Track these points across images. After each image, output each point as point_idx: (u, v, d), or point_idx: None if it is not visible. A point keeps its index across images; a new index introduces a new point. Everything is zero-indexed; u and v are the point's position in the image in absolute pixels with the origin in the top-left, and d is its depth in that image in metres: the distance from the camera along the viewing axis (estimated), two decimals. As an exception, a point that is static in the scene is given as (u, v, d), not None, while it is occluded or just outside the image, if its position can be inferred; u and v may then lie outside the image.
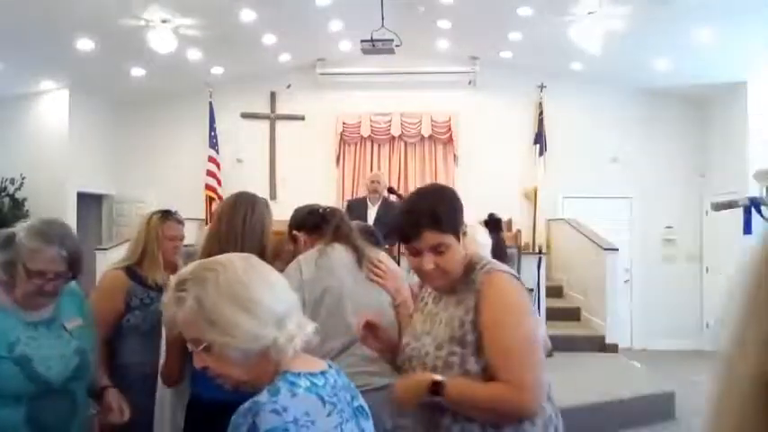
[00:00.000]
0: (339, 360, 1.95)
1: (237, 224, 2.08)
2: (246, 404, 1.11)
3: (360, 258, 2.09)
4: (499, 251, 2.47)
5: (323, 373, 1.23)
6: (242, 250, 1.81)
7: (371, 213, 5.72)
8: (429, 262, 1.56)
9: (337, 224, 2.18)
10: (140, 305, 2.49)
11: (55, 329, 1.90)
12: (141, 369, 2.39)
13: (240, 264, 1.20)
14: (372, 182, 6.14)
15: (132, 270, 2.57)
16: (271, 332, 1.15)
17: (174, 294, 1.17)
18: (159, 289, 2.41)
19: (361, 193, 7.64)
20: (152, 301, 2.46)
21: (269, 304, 1.17)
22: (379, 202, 5.85)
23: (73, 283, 2.05)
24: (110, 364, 2.42)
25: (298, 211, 2.36)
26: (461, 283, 1.61)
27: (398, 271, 2.18)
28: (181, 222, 2.71)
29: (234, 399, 1.17)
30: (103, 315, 2.39)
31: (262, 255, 2.36)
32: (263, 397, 1.11)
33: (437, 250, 1.55)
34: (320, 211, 2.24)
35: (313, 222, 2.22)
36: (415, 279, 2.11)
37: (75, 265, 1.85)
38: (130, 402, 2.15)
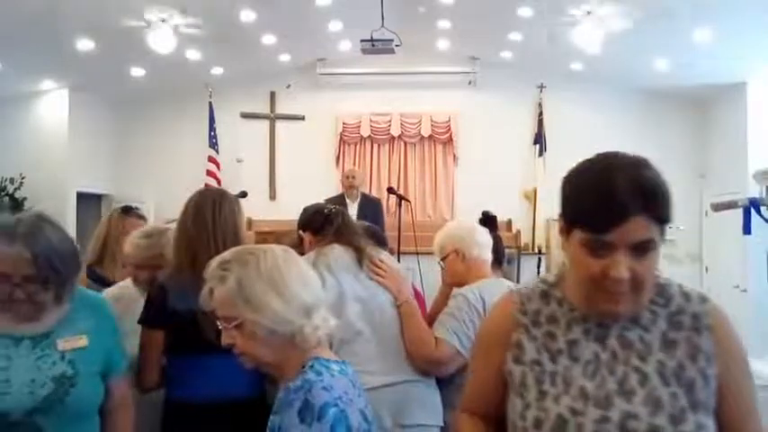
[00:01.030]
0: (342, 354, 1.94)
1: (207, 222, 1.98)
2: (297, 383, 1.22)
3: (360, 258, 2.09)
4: (496, 250, 2.46)
5: (341, 362, 1.35)
6: (216, 249, 1.79)
7: (352, 211, 5.44)
8: (624, 268, 1.02)
9: (339, 225, 2.18)
10: None
11: (42, 348, 1.57)
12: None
13: (281, 253, 1.32)
14: (347, 177, 5.98)
15: (92, 269, 2.49)
16: (299, 319, 1.26)
17: (218, 272, 1.28)
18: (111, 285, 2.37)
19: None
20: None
21: (300, 294, 1.28)
22: (359, 199, 5.71)
23: (99, 295, 1.82)
24: None
25: (305, 211, 2.36)
26: (644, 307, 1.11)
27: (400, 270, 2.18)
28: (142, 218, 2.67)
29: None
30: None
31: None
32: (311, 376, 1.22)
33: (640, 249, 1.04)
34: (324, 211, 2.23)
35: (318, 223, 2.23)
36: (422, 279, 2.11)
37: (45, 268, 1.51)
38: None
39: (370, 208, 5.20)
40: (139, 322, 1.94)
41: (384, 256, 2.19)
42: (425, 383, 2.02)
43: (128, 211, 2.65)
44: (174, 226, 2.13)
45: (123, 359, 1.79)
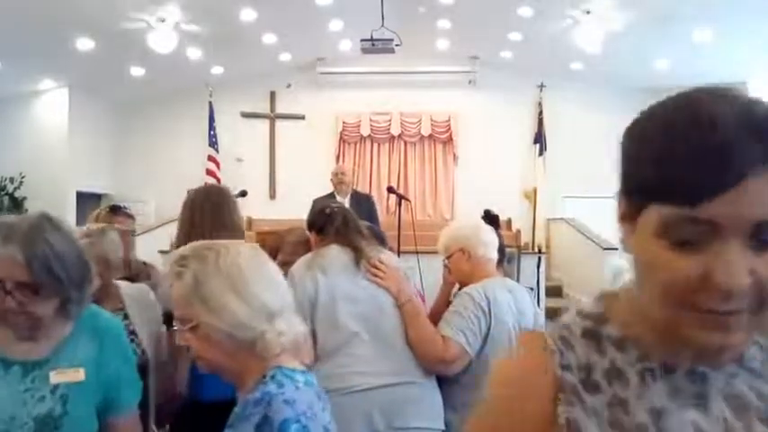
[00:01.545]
0: (333, 359, 1.95)
1: (205, 216, 2.03)
2: (255, 395, 1.10)
3: (358, 259, 2.08)
4: (500, 249, 2.45)
5: (306, 371, 1.22)
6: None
7: None
8: (740, 267, 0.58)
9: (338, 225, 2.17)
10: None
11: (33, 379, 1.33)
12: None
13: (245, 251, 1.21)
14: (336, 174, 5.87)
15: None
16: (260, 324, 1.14)
17: (174, 269, 1.16)
18: None
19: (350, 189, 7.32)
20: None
21: (263, 297, 1.16)
22: (348, 195, 5.48)
23: (110, 316, 1.58)
24: None
25: (310, 210, 2.34)
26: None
27: (401, 269, 2.16)
28: (131, 217, 2.63)
29: (230, 399, 1.18)
30: None
31: None
32: (271, 388, 1.11)
33: (765, 235, 0.59)
34: (327, 211, 2.22)
35: (321, 222, 2.22)
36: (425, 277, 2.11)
37: (42, 275, 1.28)
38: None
39: (362, 205, 5.12)
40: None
41: (385, 255, 2.17)
42: (423, 386, 1.98)
43: (116, 210, 2.63)
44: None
45: (133, 393, 1.53)
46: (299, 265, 2.10)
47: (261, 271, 1.19)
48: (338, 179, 5.69)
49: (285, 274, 1.35)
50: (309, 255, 2.15)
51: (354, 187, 5.47)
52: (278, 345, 1.15)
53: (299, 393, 1.12)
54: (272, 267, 1.24)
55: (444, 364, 2.01)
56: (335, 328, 1.98)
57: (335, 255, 2.10)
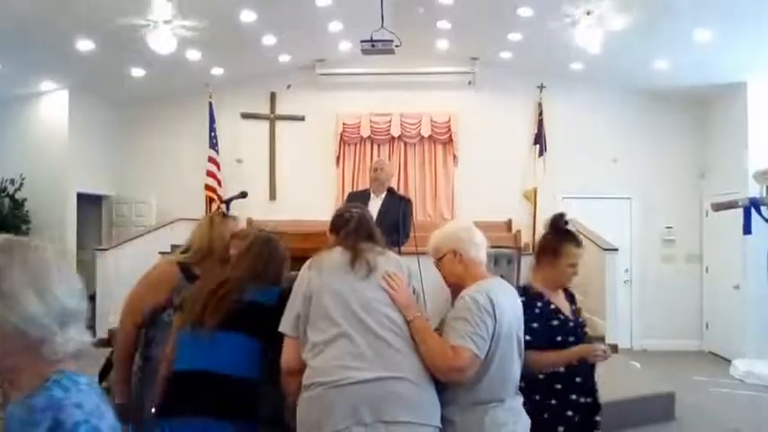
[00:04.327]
0: (323, 353, 1.99)
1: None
2: (40, 400, 1.09)
3: (354, 260, 2.12)
4: None
5: (90, 376, 1.23)
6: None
7: (374, 206, 4.98)
8: None
9: (348, 231, 2.23)
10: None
11: None
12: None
13: (52, 252, 1.20)
14: (375, 170, 5.37)
15: (187, 267, 2.55)
16: (51, 326, 1.13)
17: None
18: None
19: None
20: None
21: (63, 300, 1.15)
22: (384, 194, 5.10)
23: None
24: (143, 353, 2.50)
25: (334, 213, 2.41)
26: None
27: (410, 286, 2.19)
28: (234, 219, 2.75)
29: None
30: (142, 305, 2.47)
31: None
32: (57, 392, 1.11)
33: None
34: (345, 215, 2.30)
35: (337, 226, 2.30)
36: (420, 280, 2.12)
37: None
38: (152, 392, 2.26)
39: (394, 206, 4.88)
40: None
41: (392, 264, 2.18)
42: (414, 382, 1.98)
43: (225, 216, 2.76)
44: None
45: None
46: (306, 264, 2.20)
47: (66, 275, 1.19)
48: (374, 176, 5.30)
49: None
50: (315, 255, 2.22)
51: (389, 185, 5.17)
52: (64, 350, 1.14)
53: (85, 395, 1.13)
54: (76, 275, 1.23)
55: (457, 372, 2.03)
56: (325, 323, 2.03)
57: (335, 256, 2.17)
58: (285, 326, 2.10)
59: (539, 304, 2.50)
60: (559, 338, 2.46)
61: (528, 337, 2.27)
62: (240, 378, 2.12)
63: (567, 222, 2.61)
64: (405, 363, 2.00)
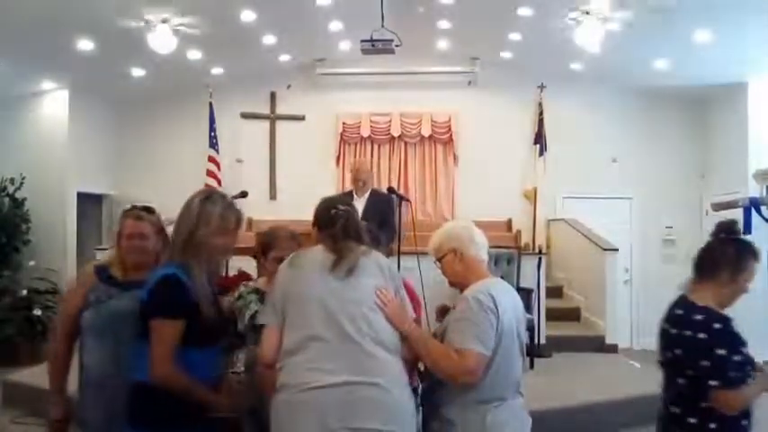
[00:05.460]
0: (294, 355, 1.96)
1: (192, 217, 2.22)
2: None
3: (336, 261, 2.08)
4: None
5: None
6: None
7: (359, 207, 4.80)
8: None
9: (336, 229, 2.17)
10: (95, 302, 2.38)
11: None
12: (99, 369, 2.33)
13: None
14: (353, 171, 5.40)
15: (103, 267, 2.48)
16: None
17: None
18: (121, 286, 2.40)
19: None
20: (107, 299, 2.37)
21: None
22: (367, 194, 5.20)
23: None
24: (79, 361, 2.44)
25: (318, 206, 2.32)
26: None
27: (401, 299, 2.17)
28: (140, 219, 2.57)
29: None
30: (67, 310, 2.46)
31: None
32: None
33: None
34: (332, 212, 2.22)
35: (323, 221, 2.24)
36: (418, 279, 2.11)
37: None
38: (87, 401, 2.27)
39: (378, 205, 4.91)
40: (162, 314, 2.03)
41: (368, 259, 2.13)
42: (386, 388, 1.92)
43: (128, 211, 2.65)
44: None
45: None
46: (285, 261, 2.17)
47: None
48: (353, 176, 5.32)
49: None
50: (295, 252, 2.20)
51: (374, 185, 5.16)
52: None
53: None
54: None
55: (467, 375, 2.01)
56: (299, 324, 2.00)
57: (316, 256, 2.13)
58: (264, 318, 2.10)
59: (731, 330, 2.12)
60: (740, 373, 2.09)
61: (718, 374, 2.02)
62: None
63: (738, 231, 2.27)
64: (377, 368, 1.94)
